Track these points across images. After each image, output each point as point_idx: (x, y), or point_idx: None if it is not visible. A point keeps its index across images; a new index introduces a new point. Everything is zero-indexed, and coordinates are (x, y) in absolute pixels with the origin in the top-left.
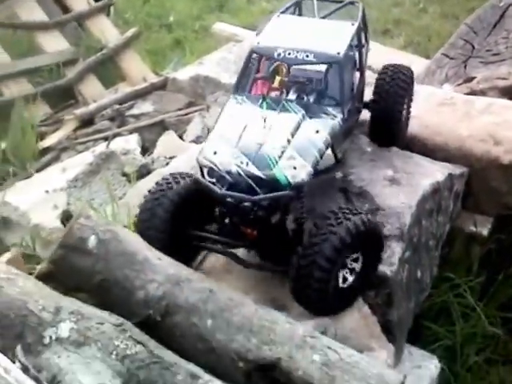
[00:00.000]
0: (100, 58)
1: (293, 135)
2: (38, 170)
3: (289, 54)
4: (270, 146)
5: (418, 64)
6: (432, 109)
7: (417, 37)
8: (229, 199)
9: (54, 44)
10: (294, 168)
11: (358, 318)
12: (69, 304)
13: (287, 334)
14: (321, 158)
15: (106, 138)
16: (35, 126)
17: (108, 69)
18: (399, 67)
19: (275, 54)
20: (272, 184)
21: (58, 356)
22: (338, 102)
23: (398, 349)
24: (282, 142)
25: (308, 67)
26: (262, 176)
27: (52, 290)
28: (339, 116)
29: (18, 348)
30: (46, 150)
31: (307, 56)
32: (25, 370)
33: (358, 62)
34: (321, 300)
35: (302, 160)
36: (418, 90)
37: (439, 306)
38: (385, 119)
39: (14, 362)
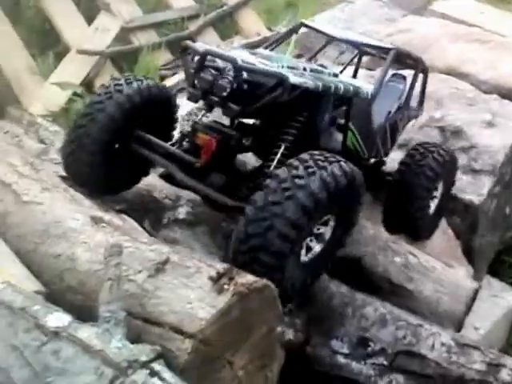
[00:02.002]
0: (220, 13)
1: (311, 70)
2: None
3: None
4: (280, 61)
5: None
6: None
7: None
8: (209, 62)
9: (181, 1)
10: (302, 76)
11: (442, 239)
12: (187, 195)
13: (372, 237)
14: (335, 91)
15: None
16: (157, 69)
17: (226, 24)
18: (436, 147)
19: None
20: (278, 78)
21: (173, 232)
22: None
23: (476, 274)
24: (297, 66)
25: None
26: (268, 69)
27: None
28: (370, 88)
29: (146, 222)
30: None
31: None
32: (151, 236)
33: (404, 97)
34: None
35: (314, 78)
36: None
37: None
38: (403, 205)
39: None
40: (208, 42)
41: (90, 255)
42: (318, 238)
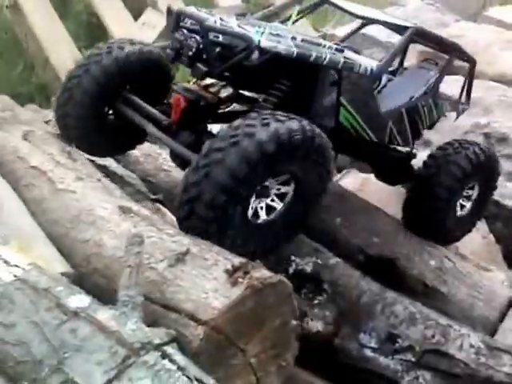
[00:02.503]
0: (266, 14)
1: (304, 40)
2: None
3: None
4: (267, 27)
5: None
6: None
7: None
8: (183, 22)
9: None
10: (278, 42)
11: (481, 243)
12: None
13: (407, 239)
14: (316, 60)
15: None
16: None
17: None
18: (472, 145)
19: None
20: (244, 41)
21: None
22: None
23: None
24: (285, 34)
25: None
26: (237, 29)
27: None
28: (374, 65)
29: None
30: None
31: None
32: None
33: (432, 84)
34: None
35: (295, 46)
36: None
37: None
38: (423, 202)
39: None
40: None
41: (115, 242)
42: (279, 198)
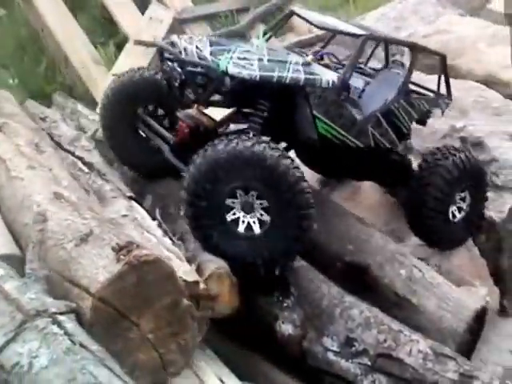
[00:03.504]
0: (270, 8)
1: (270, 60)
2: None
3: None
4: (236, 51)
5: None
6: None
7: None
8: (166, 54)
9: None
10: (244, 66)
11: (466, 257)
12: None
13: (380, 247)
14: (278, 81)
15: None
16: None
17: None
18: (459, 152)
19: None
20: (211, 70)
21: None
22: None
23: (507, 295)
24: (251, 57)
25: None
26: (209, 57)
27: None
28: (334, 77)
29: (157, 211)
30: None
31: None
32: (159, 224)
33: (401, 86)
34: None
35: (260, 69)
36: None
37: None
38: (418, 203)
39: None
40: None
41: None
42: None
